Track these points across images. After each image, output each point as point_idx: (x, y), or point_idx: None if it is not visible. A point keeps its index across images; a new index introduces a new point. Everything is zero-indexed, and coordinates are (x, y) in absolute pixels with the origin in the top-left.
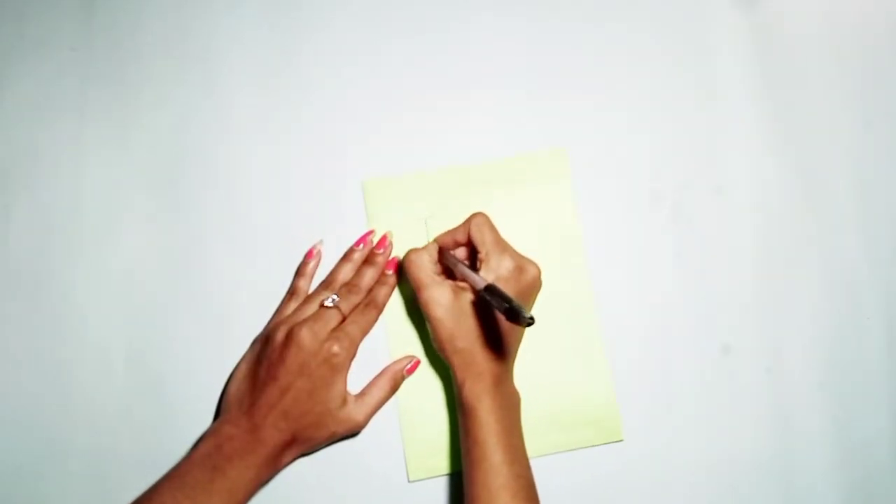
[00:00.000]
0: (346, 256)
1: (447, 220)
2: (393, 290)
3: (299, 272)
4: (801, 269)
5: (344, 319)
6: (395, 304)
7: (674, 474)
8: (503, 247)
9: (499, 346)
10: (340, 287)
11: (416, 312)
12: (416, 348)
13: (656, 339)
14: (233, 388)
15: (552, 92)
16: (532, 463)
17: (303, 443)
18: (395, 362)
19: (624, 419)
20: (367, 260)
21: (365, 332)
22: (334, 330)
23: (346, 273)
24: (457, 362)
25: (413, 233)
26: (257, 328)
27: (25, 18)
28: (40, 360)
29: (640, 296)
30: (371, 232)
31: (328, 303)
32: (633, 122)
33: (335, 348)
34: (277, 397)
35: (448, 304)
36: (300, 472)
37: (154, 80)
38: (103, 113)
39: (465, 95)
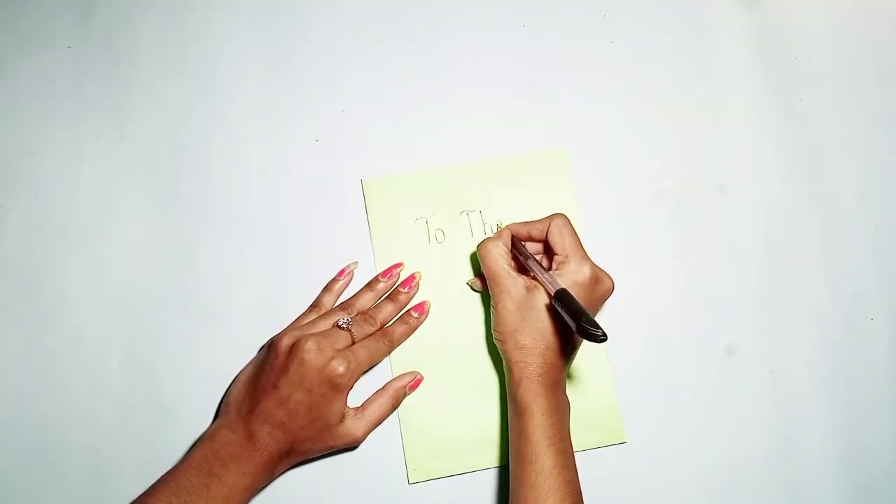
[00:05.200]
0: (369, 284)
1: (447, 220)
2: (413, 331)
3: (327, 287)
4: (805, 269)
5: (353, 344)
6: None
7: (677, 476)
8: (583, 254)
9: (561, 351)
10: (357, 314)
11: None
12: (419, 364)
13: (659, 340)
14: (234, 390)
15: (554, 90)
16: None
17: (299, 454)
18: (397, 378)
19: (627, 421)
20: (391, 295)
21: (372, 361)
22: (341, 350)
23: (366, 301)
24: (515, 358)
25: (413, 232)
26: (255, 329)
27: (22, 17)
28: (36, 361)
29: (642, 296)
30: (399, 265)
31: (341, 323)
32: (636, 120)
33: (340, 368)
34: (275, 407)
35: (520, 298)
36: (300, 474)
37: (151, 78)
38: (100, 111)
39: (466, 94)
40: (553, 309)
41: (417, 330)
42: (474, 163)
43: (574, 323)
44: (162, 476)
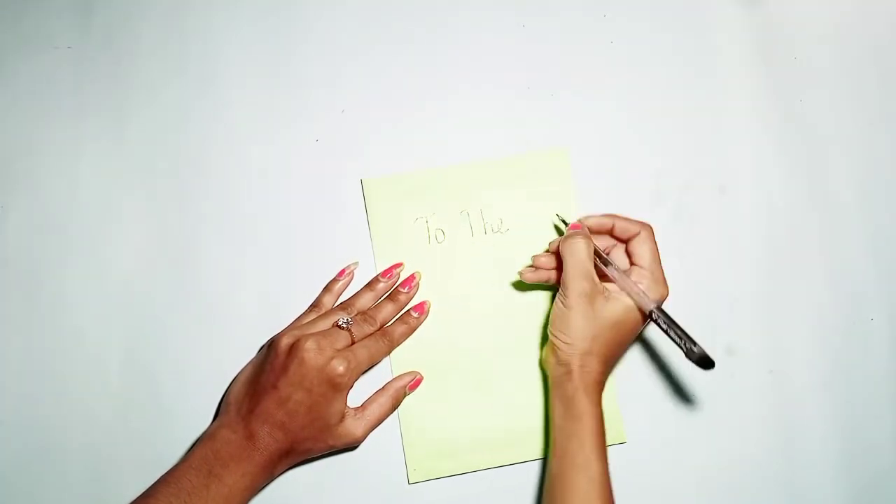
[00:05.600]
0: (369, 284)
1: (447, 220)
2: (413, 331)
3: (327, 288)
4: (805, 269)
5: (353, 343)
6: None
7: (677, 476)
8: (663, 275)
9: (615, 359)
10: (357, 314)
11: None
12: (419, 364)
13: (659, 340)
14: (234, 389)
15: (554, 90)
16: (535, 465)
17: (299, 454)
18: (397, 378)
19: (627, 421)
20: (391, 295)
21: (372, 361)
22: (341, 350)
23: (366, 301)
24: (579, 363)
25: (413, 232)
26: (255, 329)
27: (22, 17)
28: (36, 361)
29: None
30: (399, 265)
31: (341, 323)
32: (636, 120)
33: (340, 368)
34: (275, 407)
35: (599, 307)
36: (300, 474)
37: (151, 78)
38: (100, 111)
39: (466, 94)
40: (651, 322)
41: (417, 330)
42: (474, 163)
43: (685, 349)
44: (162, 476)
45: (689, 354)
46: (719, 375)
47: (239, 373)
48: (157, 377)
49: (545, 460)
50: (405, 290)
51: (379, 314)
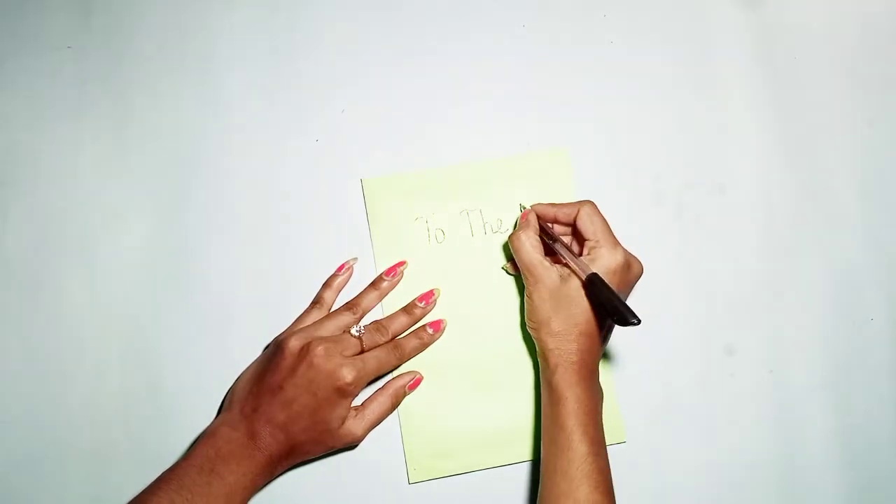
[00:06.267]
0: (373, 283)
1: (447, 220)
2: (425, 347)
3: (327, 283)
4: (805, 269)
5: (362, 351)
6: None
7: (676, 476)
8: (614, 240)
9: (595, 335)
10: (370, 323)
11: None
12: (419, 363)
13: (659, 340)
14: (238, 387)
15: (554, 90)
16: (534, 465)
17: (300, 455)
18: (397, 377)
19: (627, 421)
20: (406, 308)
21: (380, 372)
22: (351, 358)
23: (371, 300)
24: (550, 346)
25: (413, 232)
26: (255, 329)
27: (22, 17)
28: (36, 361)
29: (642, 296)
30: (402, 263)
31: (353, 331)
32: (636, 121)
33: (349, 377)
34: (279, 409)
35: (554, 287)
36: (300, 474)
37: (152, 78)
38: (100, 111)
39: (466, 93)
40: (589, 295)
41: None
42: (474, 163)
43: (608, 307)
44: (163, 473)
45: (622, 321)
46: (719, 375)
47: (244, 370)
48: (157, 377)
49: None
50: (421, 305)
51: (392, 325)
